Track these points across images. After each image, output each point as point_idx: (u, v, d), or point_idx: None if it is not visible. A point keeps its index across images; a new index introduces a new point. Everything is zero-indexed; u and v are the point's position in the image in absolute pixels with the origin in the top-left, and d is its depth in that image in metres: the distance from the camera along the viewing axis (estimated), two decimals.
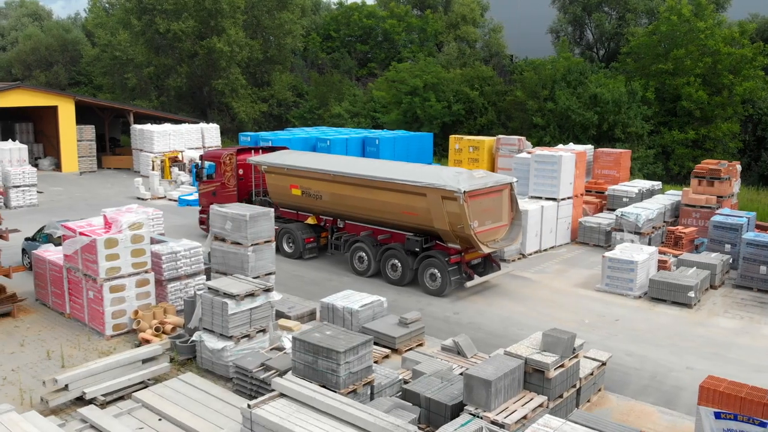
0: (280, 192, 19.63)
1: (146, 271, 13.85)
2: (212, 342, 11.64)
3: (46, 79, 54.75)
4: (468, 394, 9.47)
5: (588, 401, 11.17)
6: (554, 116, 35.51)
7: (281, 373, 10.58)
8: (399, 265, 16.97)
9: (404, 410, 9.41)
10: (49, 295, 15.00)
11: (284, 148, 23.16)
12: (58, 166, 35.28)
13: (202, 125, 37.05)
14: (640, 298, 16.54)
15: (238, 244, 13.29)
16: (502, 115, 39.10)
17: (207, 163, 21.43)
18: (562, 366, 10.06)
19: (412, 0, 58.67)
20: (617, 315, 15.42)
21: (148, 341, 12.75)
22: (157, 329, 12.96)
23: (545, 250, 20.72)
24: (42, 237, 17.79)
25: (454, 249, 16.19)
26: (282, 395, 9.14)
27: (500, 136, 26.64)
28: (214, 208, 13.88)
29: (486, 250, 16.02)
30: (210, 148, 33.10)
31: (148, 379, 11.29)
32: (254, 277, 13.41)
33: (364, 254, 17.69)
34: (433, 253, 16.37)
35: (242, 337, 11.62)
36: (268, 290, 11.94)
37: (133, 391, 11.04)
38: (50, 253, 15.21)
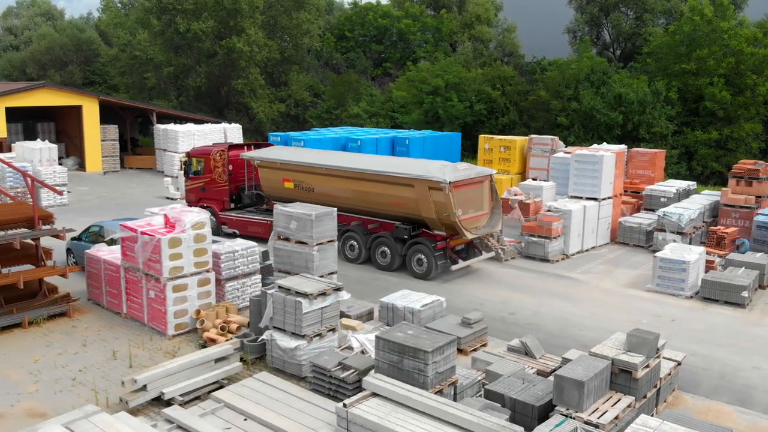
0: (273, 185, 20.36)
1: (207, 271, 13.79)
2: (284, 341, 11.58)
3: (60, 78, 54.68)
4: (559, 394, 9.41)
5: (664, 401, 11.12)
6: (579, 116, 35.46)
7: (360, 373, 10.55)
8: (388, 251, 18.04)
9: (495, 411, 9.35)
10: (104, 294, 14.94)
11: (269, 144, 24.20)
12: (81, 166, 35.21)
13: (225, 125, 36.94)
14: (692, 298, 16.49)
15: (303, 243, 13.23)
16: (524, 115, 39.05)
17: (194, 160, 21.97)
18: (647, 366, 10.01)
19: (426, 0, 58.70)
20: (672, 315, 15.36)
21: (213, 341, 12.69)
22: (222, 328, 12.90)
23: (587, 250, 20.67)
24: (86, 237, 17.72)
25: (440, 236, 17.42)
26: (374, 395, 9.08)
27: (533, 135, 26.57)
28: (278, 207, 13.81)
29: (469, 236, 17.27)
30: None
31: (222, 379, 11.25)
32: (319, 276, 13.36)
33: (354, 242, 18.67)
34: (421, 240, 17.55)
35: (315, 336, 11.56)
36: (338, 289, 11.88)
37: (209, 391, 11.01)
38: (104, 252, 15.15)
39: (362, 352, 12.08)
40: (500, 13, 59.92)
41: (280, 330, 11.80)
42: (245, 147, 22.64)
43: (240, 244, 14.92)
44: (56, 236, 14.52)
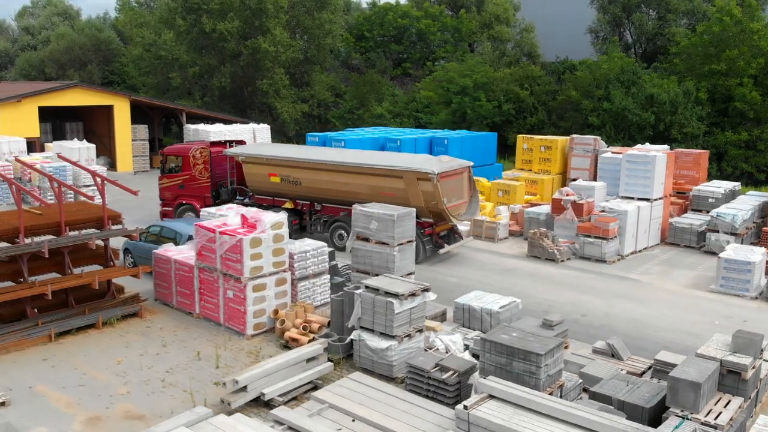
0: (258, 180, 21.19)
1: (284, 270, 13.72)
2: (374, 341, 11.50)
3: (80, 78, 54.56)
4: (673, 396, 9.32)
5: (760, 402, 11.03)
6: (610, 116, 35.36)
7: (461, 374, 10.47)
8: None
9: (611, 413, 9.25)
10: (174, 294, 14.86)
11: (242, 142, 25.09)
12: (112, 166, 35.15)
13: (253, 125, 36.90)
14: (757, 299, 16.40)
15: (383, 243, 13.15)
16: (552, 115, 38.96)
17: (171, 158, 22.29)
18: (754, 367, 9.93)
19: (445, 0, 58.61)
20: (743, 316, 15.26)
21: (296, 340, 12.62)
22: (304, 328, 12.82)
23: (640, 251, 20.56)
24: (145, 237, 17.63)
25: (427, 222, 18.56)
26: (491, 397, 9.00)
27: (574, 135, 26.47)
28: (358, 207, 13.72)
29: (454, 222, 18.77)
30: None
31: (316, 379, 11.18)
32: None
33: (343, 231, 19.58)
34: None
35: (405, 337, 11.48)
36: (426, 290, 11.80)
37: (304, 392, 10.94)
38: (174, 252, 15.07)
39: (446, 352, 12.01)
40: (518, 13, 59.91)
41: (368, 330, 11.72)
42: (220, 145, 23.29)
43: (310, 244, 14.85)
44: (129, 236, 14.47)
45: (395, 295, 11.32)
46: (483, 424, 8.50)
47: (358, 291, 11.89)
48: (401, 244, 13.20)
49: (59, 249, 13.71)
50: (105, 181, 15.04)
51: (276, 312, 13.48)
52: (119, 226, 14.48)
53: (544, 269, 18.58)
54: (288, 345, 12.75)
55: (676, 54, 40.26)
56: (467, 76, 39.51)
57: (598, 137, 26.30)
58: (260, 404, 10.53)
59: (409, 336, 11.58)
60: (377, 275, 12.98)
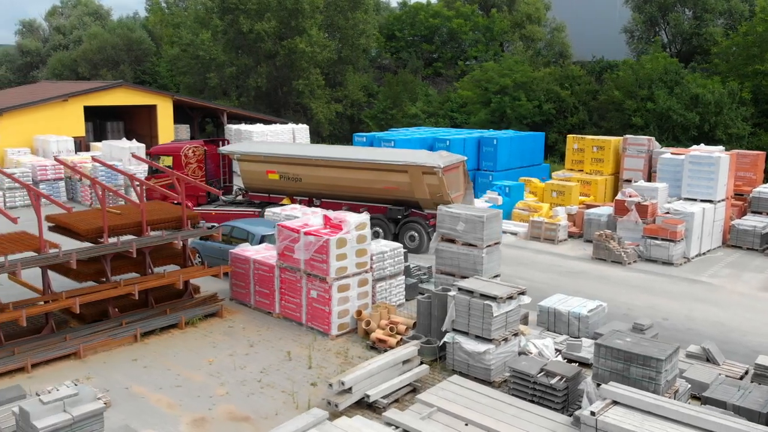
0: (255, 178, 21.45)
1: (366, 271, 13.63)
2: (470, 344, 11.36)
3: (112, 78, 54.96)
4: None
5: None
6: (654, 116, 34.97)
7: (569, 380, 10.31)
8: (381, 231, 19.55)
9: (735, 419, 9.06)
10: (252, 294, 14.82)
11: (225, 141, 25.15)
12: None
13: (293, 126, 36.95)
14: None
15: (471, 245, 13.01)
16: (594, 115, 38.58)
17: (160, 158, 22.26)
18: None
19: None
20: None
21: (383, 341, 12.52)
22: (390, 329, 12.72)
23: (703, 253, 20.26)
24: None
25: (430, 214, 19.10)
26: (615, 402, 8.84)
27: (627, 136, 26.16)
28: (443, 208, 13.58)
29: None
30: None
31: (415, 381, 11.08)
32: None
33: None
34: (414, 219, 19.63)
35: (502, 340, 11.34)
36: (522, 293, 11.65)
37: (405, 394, 10.85)
38: (251, 252, 15.03)
39: (539, 356, 11.86)
40: (548, 12, 59.52)
41: (463, 333, 11.59)
42: (210, 144, 23.44)
43: (387, 245, 14.77)
44: (208, 237, 14.44)
45: (493, 298, 11.18)
46: (613, 430, 8.35)
47: (451, 293, 11.76)
48: (489, 245, 13.04)
49: (140, 249, 13.70)
50: (183, 182, 14.95)
51: (359, 313, 13.39)
52: (199, 227, 14.48)
53: (612, 272, 18.35)
54: (375, 346, 12.66)
55: (717, 54, 39.76)
56: (506, 75, 39.24)
57: (652, 138, 26.00)
58: (363, 406, 10.43)
59: (505, 339, 11.44)
60: (464, 277, 12.86)
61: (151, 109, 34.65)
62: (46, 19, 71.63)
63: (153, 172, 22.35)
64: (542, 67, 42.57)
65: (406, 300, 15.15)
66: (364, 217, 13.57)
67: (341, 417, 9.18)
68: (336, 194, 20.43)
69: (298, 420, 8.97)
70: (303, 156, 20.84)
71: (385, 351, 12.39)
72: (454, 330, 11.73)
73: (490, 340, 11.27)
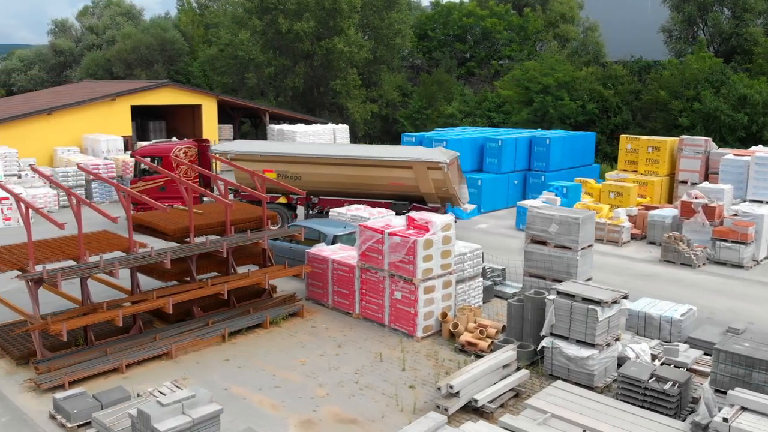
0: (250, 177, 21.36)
1: (450, 273, 13.49)
2: (572, 349, 11.17)
3: (147, 77, 55.29)
4: None
5: None
6: (700, 117, 34.47)
7: (681, 385, 10.10)
8: None
9: None
10: (329, 294, 14.73)
11: (207, 141, 24.09)
12: None
13: (333, 126, 36.92)
14: None
15: (564, 247, 12.82)
16: (637, 115, 38.12)
17: (148, 160, 21.25)
18: None
19: None
20: None
21: (473, 345, 12.37)
22: (480, 332, 12.56)
23: None
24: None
25: (434, 207, 19.92)
26: (743, 409, 8.61)
27: (684, 136, 25.81)
28: (534, 209, 13.40)
29: (462, 204, 20.68)
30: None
31: (518, 386, 10.92)
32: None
33: None
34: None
35: (605, 345, 11.14)
36: (625, 297, 11.44)
37: (509, 399, 10.69)
38: (329, 252, 14.95)
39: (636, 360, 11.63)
40: (581, 11, 59.07)
41: (562, 337, 11.41)
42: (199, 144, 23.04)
43: (467, 246, 14.60)
44: (292, 236, 14.39)
45: (597, 302, 10.98)
46: None
47: (550, 297, 11.57)
48: (584, 248, 12.83)
49: (217, 249, 13.65)
50: (267, 182, 14.89)
51: (444, 315, 13.25)
52: (277, 226, 14.41)
53: (684, 274, 18.04)
54: (464, 349, 12.51)
55: (760, 54, 39.14)
56: (548, 74, 38.88)
57: (709, 138, 25.60)
58: (468, 410, 10.29)
59: (608, 344, 11.24)
60: (556, 280, 12.68)
61: (194, 109, 34.76)
62: (77, 19, 72.34)
63: (141, 175, 21.73)
64: (583, 66, 42.10)
65: (484, 302, 15.00)
66: (449, 218, 13.43)
67: (467, 423, 9.04)
68: (338, 191, 20.68)
69: (419, 424, 8.84)
70: (304, 155, 20.86)
71: (475, 354, 12.28)
72: (552, 334, 11.55)
73: (593, 345, 11.07)
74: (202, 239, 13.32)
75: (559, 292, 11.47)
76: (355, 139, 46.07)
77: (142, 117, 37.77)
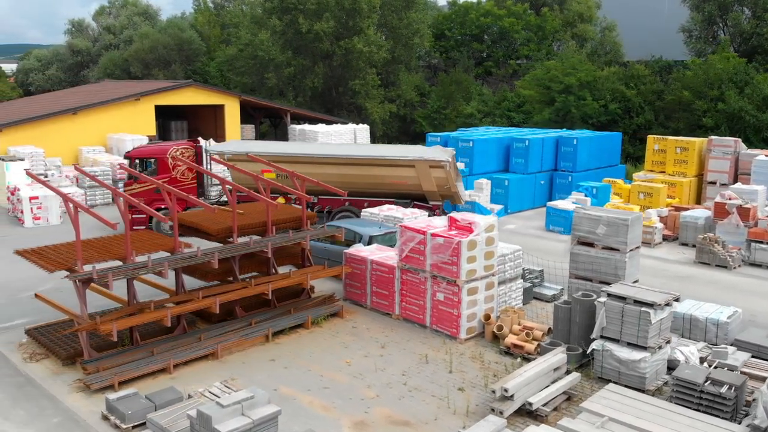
0: (247, 177, 19.99)
1: (492, 274, 13.41)
2: (624, 352, 11.07)
3: (164, 77, 55.48)
4: None
5: None
6: (724, 117, 34.21)
7: (737, 389, 9.98)
8: None
9: None
10: (368, 295, 14.69)
11: (196, 141, 23.24)
12: None
13: (354, 126, 36.90)
14: None
15: (611, 249, 12.71)
16: (660, 115, 37.88)
17: (142, 161, 20.89)
18: None
19: None
20: None
21: (519, 347, 12.28)
22: (527, 335, 12.48)
23: None
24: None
25: (435, 205, 20.41)
26: None
27: (712, 137, 25.59)
28: (581, 210, 13.31)
29: (461, 201, 21.00)
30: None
31: (569, 389, 10.83)
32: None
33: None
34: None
35: (658, 348, 11.04)
36: (676, 299, 11.33)
37: (561, 402, 10.60)
38: (367, 252, 14.90)
39: (686, 363, 11.52)
40: (599, 11, 58.82)
41: (613, 340, 11.30)
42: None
43: (507, 247, 14.52)
44: (331, 237, 14.36)
45: (650, 305, 10.88)
46: None
47: (601, 299, 11.46)
48: (632, 249, 12.72)
49: (262, 249, 13.64)
50: (306, 182, 14.86)
51: (487, 317, 13.17)
52: (317, 227, 14.39)
53: (721, 276, 17.87)
54: (509, 351, 12.42)
55: None
56: (570, 74, 38.70)
57: (739, 139, 25.38)
58: (522, 413, 10.21)
59: (660, 347, 11.13)
60: (603, 282, 12.58)
61: (216, 109, 34.82)
62: (94, 19, 72.67)
63: (134, 177, 20.57)
64: (604, 66, 41.90)
65: (523, 304, 14.92)
66: (493, 218, 13.35)
67: (530, 426, 8.97)
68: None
69: (480, 427, 8.78)
70: (305, 154, 20.79)
71: (521, 357, 12.20)
72: (603, 337, 11.45)
73: (645, 348, 10.97)
74: (246, 239, 13.30)
75: (609, 295, 11.38)
76: (373, 139, 46.00)
77: (164, 117, 37.84)
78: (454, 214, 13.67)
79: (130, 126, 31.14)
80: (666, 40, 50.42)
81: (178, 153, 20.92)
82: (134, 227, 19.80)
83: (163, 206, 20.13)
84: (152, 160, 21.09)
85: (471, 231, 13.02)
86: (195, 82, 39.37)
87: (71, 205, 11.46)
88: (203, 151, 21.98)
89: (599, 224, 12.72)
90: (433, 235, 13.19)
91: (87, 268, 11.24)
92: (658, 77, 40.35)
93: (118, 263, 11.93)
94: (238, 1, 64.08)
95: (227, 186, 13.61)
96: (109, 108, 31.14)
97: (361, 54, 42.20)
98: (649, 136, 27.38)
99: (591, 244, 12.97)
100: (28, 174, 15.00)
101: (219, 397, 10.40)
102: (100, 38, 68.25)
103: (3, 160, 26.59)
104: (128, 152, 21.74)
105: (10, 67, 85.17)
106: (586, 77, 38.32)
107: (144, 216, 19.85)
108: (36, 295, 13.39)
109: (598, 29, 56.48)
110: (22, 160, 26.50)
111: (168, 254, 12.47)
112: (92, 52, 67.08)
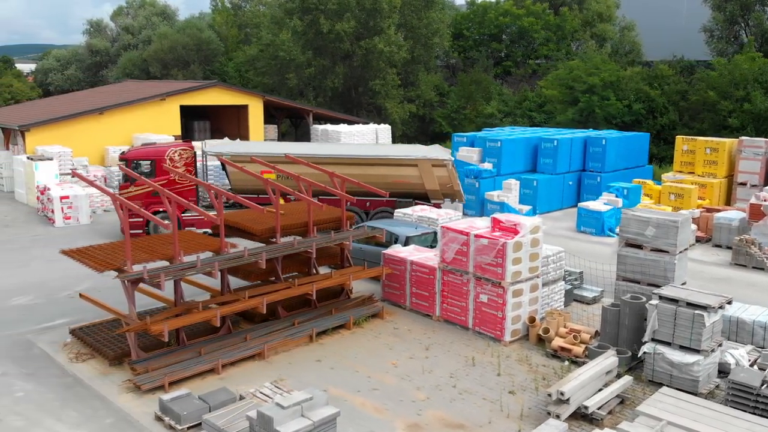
0: (246, 178, 19.38)
1: (537, 276, 13.33)
2: (676, 355, 10.96)
3: (183, 77, 55.66)
4: None
5: None
6: (751, 118, 33.89)
7: None
8: None
9: None
10: (407, 295, 14.64)
11: (189, 142, 23.53)
12: None
13: (375, 126, 36.84)
14: None
15: (660, 251, 12.59)
16: (684, 115, 37.57)
17: (138, 163, 20.22)
18: None
19: None
20: None
21: (566, 350, 12.20)
22: (574, 337, 12.39)
23: None
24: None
25: (437, 204, 20.67)
26: None
27: (743, 138, 25.38)
28: (629, 212, 13.20)
29: (462, 199, 21.46)
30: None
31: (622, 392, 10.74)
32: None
33: (357, 219, 19.99)
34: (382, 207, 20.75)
35: (710, 351, 10.92)
36: (729, 302, 11.20)
37: (615, 405, 10.51)
38: (406, 253, 14.86)
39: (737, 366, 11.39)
40: (617, 10, 58.50)
41: (664, 343, 11.19)
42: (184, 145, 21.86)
43: (550, 249, 14.42)
44: (373, 237, 14.33)
45: (704, 308, 10.76)
46: None
47: (652, 302, 11.35)
48: (681, 251, 12.60)
49: (307, 249, 13.61)
50: (346, 182, 14.84)
51: (532, 319, 13.09)
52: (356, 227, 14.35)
53: (758, 278, 17.69)
54: (556, 354, 12.34)
55: None
56: (594, 74, 38.47)
57: None
58: (577, 417, 10.12)
59: (712, 350, 11.02)
60: (652, 285, 12.46)
61: (239, 109, 34.88)
62: (112, 19, 73.08)
63: (133, 179, 19.71)
64: (627, 66, 41.64)
65: (564, 306, 14.81)
66: (538, 220, 13.27)
67: (594, 430, 8.89)
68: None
69: (542, 431, 8.71)
70: (308, 155, 20.11)
71: (569, 360, 12.11)
72: (654, 340, 11.34)
73: (698, 351, 10.85)
74: (290, 239, 13.29)
75: (661, 297, 11.27)
76: (393, 139, 45.96)
77: (187, 117, 37.95)
78: (498, 215, 13.59)
79: (156, 126, 31.25)
80: (686, 39, 50.01)
81: (176, 154, 20.35)
82: (130, 231, 19.35)
83: (161, 209, 19.65)
84: (152, 161, 20.34)
85: (515, 232, 12.94)
86: (220, 82, 39.45)
87: (119, 204, 11.48)
88: (201, 152, 21.80)
89: (648, 226, 12.61)
90: (476, 236, 13.12)
91: (136, 268, 11.26)
92: (681, 77, 40.04)
93: (165, 263, 11.95)
94: (255, 1, 64.18)
95: (270, 187, 13.54)
96: (134, 108, 31.27)
97: (381, 54, 42.12)
98: (677, 136, 27.20)
99: (639, 246, 12.85)
100: (75, 174, 15.03)
101: (271, 398, 10.42)
102: (118, 38, 68.59)
103: (32, 159, 26.74)
104: (123, 154, 21.00)
105: (28, 67, 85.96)
106: (610, 77, 38.07)
107: (141, 220, 19.36)
108: (80, 295, 13.42)
109: (617, 29, 56.23)
110: (51, 159, 26.62)
111: (213, 254, 12.47)
112: (111, 52, 67.43)
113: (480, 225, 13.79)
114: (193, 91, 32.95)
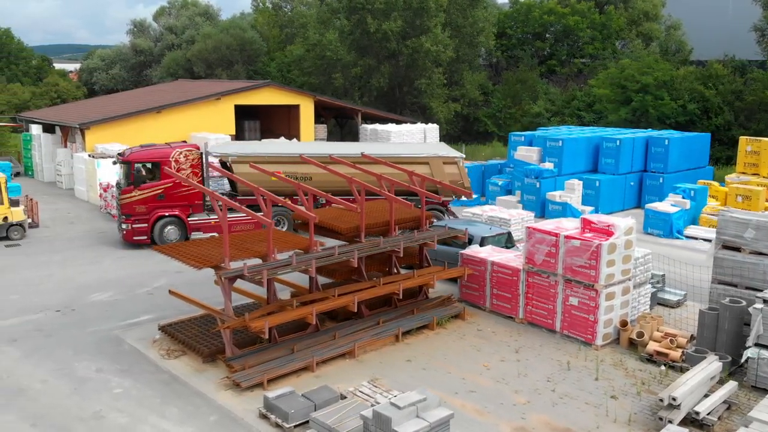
0: (253, 179, 18.52)
1: (629, 279, 13.08)
2: None
3: (228, 77, 56.17)
4: None
5: None
6: None
7: None
8: None
9: None
10: (487, 297, 14.50)
11: (187, 143, 22.21)
12: None
13: (423, 125, 36.69)
14: None
15: (760, 254, 12.25)
16: (740, 116, 36.75)
17: (141, 166, 19.52)
18: None
19: None
20: None
21: (663, 354, 11.93)
22: (671, 342, 12.12)
23: None
24: None
25: (447, 201, 21.17)
26: None
27: None
28: (726, 213, 12.89)
29: (471, 195, 20.78)
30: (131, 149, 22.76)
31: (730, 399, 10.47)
32: None
33: None
34: (432, 205, 20.73)
35: None
36: None
37: (723, 411, 10.25)
38: (485, 254, 14.71)
39: None
40: (663, 9, 57.51)
41: (766, 347, 10.90)
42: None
43: (638, 251, 14.12)
44: (455, 237, 14.22)
45: None
46: None
47: (757, 306, 11.05)
48: None
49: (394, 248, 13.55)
50: (441, 185, 14.76)
51: (624, 323, 12.84)
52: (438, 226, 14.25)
53: None
54: (652, 359, 12.08)
55: None
56: (647, 73, 37.83)
57: None
58: (685, 422, 9.88)
59: None
60: (750, 289, 12.14)
61: (290, 109, 35.05)
62: (155, 19, 74.13)
63: (137, 183, 19.42)
64: (680, 65, 40.88)
65: (649, 309, 14.52)
66: (631, 221, 13.01)
67: None
68: (345, 190, 19.43)
69: None
70: (315, 155, 19.23)
71: (665, 364, 11.85)
72: (758, 345, 11.04)
73: None
74: (376, 239, 13.25)
75: (765, 301, 10.96)
76: (438, 138, 45.79)
77: (237, 116, 38.27)
78: (589, 216, 13.37)
79: (211, 125, 31.55)
80: (733, 39, 48.92)
81: (181, 156, 19.53)
82: (134, 238, 19.41)
83: (167, 213, 19.55)
84: (156, 164, 19.51)
85: (609, 234, 12.71)
86: (273, 82, 39.68)
87: (218, 203, 11.55)
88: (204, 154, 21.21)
89: (747, 228, 12.27)
90: (567, 237, 12.92)
91: (234, 265, 11.31)
92: (735, 77, 39.18)
93: (258, 261, 12.00)
94: (297, 1, 64.50)
95: (355, 186, 13.52)
96: (190, 107, 31.62)
97: (428, 53, 41.98)
98: (741, 137, 26.55)
99: (737, 249, 12.51)
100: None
101: (371, 398, 10.40)
102: (161, 38, 69.51)
103: (93, 157, 27.19)
104: (123, 156, 19.88)
105: (70, 66, 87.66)
106: (663, 76, 37.40)
107: (145, 225, 19.32)
108: (170, 291, 13.55)
109: (663, 27, 55.29)
110: (113, 157, 27.01)
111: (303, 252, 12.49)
112: (154, 51, 68.38)
113: (568, 226, 13.58)
114: (247, 90, 33.21)
